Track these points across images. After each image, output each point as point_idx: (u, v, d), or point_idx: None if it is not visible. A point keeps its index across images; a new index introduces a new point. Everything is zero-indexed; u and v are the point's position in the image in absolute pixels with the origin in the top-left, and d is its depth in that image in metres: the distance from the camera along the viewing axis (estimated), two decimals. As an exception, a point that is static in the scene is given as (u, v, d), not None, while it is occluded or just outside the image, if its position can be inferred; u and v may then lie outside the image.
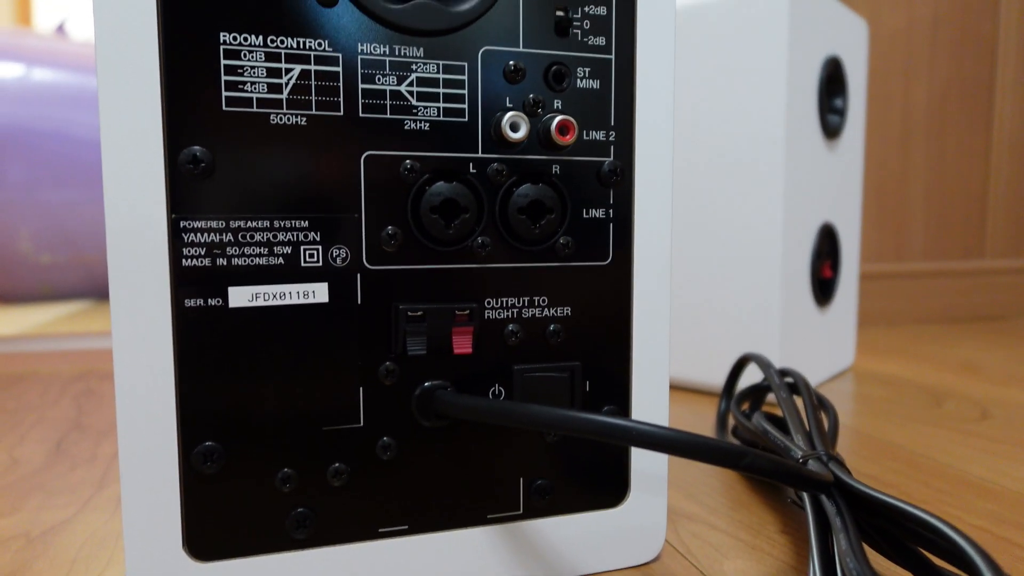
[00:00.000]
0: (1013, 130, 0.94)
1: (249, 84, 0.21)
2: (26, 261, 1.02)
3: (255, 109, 0.21)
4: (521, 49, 0.24)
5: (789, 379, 0.38)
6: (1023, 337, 0.81)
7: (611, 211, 0.25)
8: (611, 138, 0.25)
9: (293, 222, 0.22)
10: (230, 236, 0.22)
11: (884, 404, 0.50)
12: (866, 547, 0.22)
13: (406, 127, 0.23)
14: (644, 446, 0.21)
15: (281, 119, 0.22)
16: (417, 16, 0.22)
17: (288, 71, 0.22)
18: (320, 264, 0.22)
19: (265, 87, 0.21)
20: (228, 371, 0.22)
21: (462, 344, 0.24)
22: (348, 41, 0.22)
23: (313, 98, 0.22)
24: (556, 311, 0.25)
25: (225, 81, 0.21)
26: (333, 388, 0.23)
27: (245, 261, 0.22)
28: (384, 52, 0.22)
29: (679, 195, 0.53)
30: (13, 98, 0.97)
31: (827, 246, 0.56)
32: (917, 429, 0.44)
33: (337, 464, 0.23)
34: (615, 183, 0.25)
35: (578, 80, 0.24)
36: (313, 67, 0.22)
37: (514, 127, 0.23)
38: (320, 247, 0.22)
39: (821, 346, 0.56)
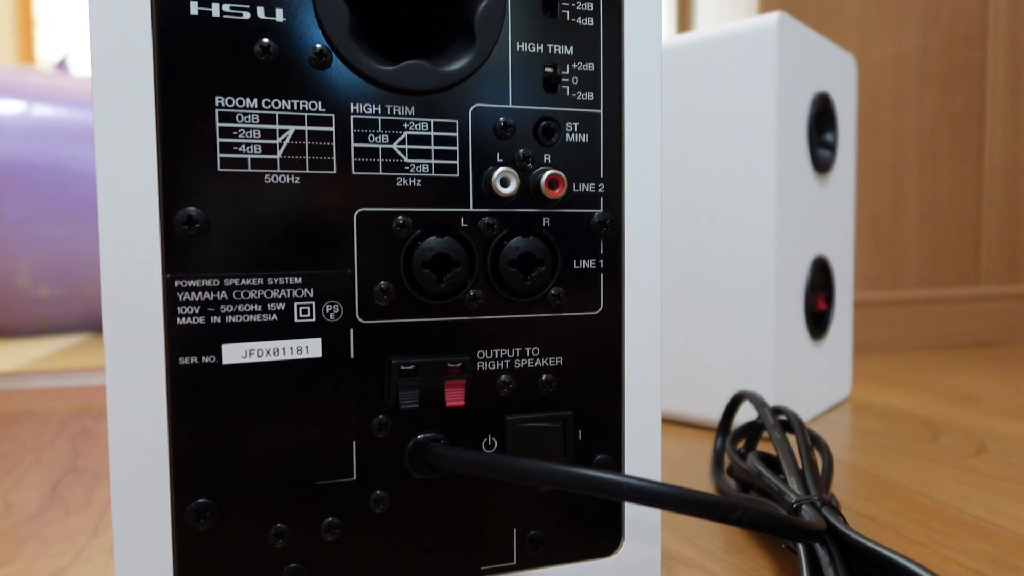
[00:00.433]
0: (1004, 158, 0.95)
1: (244, 145, 0.22)
2: (24, 295, 1.02)
3: (249, 169, 0.22)
4: (511, 105, 0.24)
5: (783, 417, 0.38)
6: (1019, 365, 0.81)
7: (601, 261, 0.26)
8: (600, 190, 0.25)
9: (287, 279, 0.22)
10: (224, 294, 0.22)
11: (881, 438, 0.50)
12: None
13: (398, 183, 0.23)
14: (636, 501, 0.21)
15: (275, 178, 0.22)
16: (408, 76, 0.23)
17: (282, 132, 0.22)
18: (313, 320, 0.23)
19: (259, 148, 0.22)
20: (221, 428, 0.22)
21: (455, 397, 0.24)
22: (341, 101, 0.23)
23: (307, 157, 0.22)
24: (548, 361, 0.25)
25: (220, 143, 0.21)
26: (326, 442, 0.23)
27: (239, 318, 0.22)
28: (376, 111, 0.23)
29: (672, 231, 0.53)
30: (14, 134, 0.98)
31: (821, 279, 0.56)
32: (914, 464, 0.44)
33: (330, 518, 0.23)
34: (605, 234, 0.25)
35: (567, 134, 0.25)
36: (307, 127, 0.22)
37: (504, 182, 0.24)
38: (313, 303, 0.23)
39: (817, 379, 0.56)
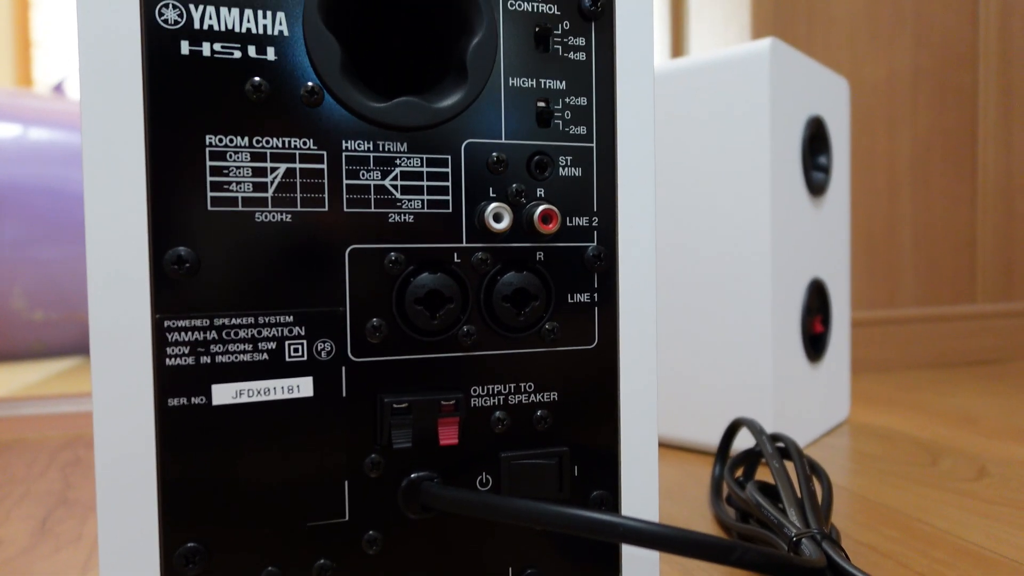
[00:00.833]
0: (997, 177, 0.95)
1: (235, 184, 0.22)
2: (19, 318, 1.01)
3: (240, 208, 0.22)
4: (503, 140, 0.24)
5: (781, 444, 0.38)
6: (1017, 384, 0.81)
7: (596, 295, 0.25)
8: (594, 223, 0.25)
9: (278, 317, 0.22)
10: (214, 334, 0.22)
11: (880, 462, 0.50)
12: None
13: (390, 220, 0.23)
14: (633, 543, 0.20)
15: (266, 216, 0.22)
16: (401, 113, 0.23)
17: (273, 170, 0.22)
18: (305, 358, 0.22)
19: (250, 186, 0.22)
20: (211, 470, 0.22)
21: (448, 435, 0.23)
22: (333, 138, 0.22)
23: (298, 195, 0.22)
24: (543, 396, 0.25)
25: (211, 182, 0.21)
26: (318, 482, 0.23)
27: (229, 358, 0.22)
28: (368, 148, 0.23)
29: (667, 256, 0.53)
30: (9, 158, 0.98)
31: (817, 301, 0.56)
32: (914, 490, 0.44)
33: (322, 560, 0.23)
34: (599, 267, 0.25)
35: (560, 168, 0.25)
36: (298, 165, 0.22)
37: (497, 218, 0.24)
38: (305, 341, 0.22)
39: (815, 401, 0.56)
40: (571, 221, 0.25)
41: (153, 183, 0.21)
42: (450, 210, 0.24)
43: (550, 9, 0.24)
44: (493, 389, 0.24)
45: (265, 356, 0.22)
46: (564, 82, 0.25)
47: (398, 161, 0.23)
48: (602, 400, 0.26)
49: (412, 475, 0.23)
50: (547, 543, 0.25)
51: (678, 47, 0.93)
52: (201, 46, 0.21)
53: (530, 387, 0.25)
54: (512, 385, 0.25)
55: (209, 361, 0.22)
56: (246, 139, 0.22)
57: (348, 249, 0.23)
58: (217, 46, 0.21)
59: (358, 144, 0.23)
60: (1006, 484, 0.45)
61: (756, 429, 0.39)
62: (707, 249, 0.51)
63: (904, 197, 0.91)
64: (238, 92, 0.21)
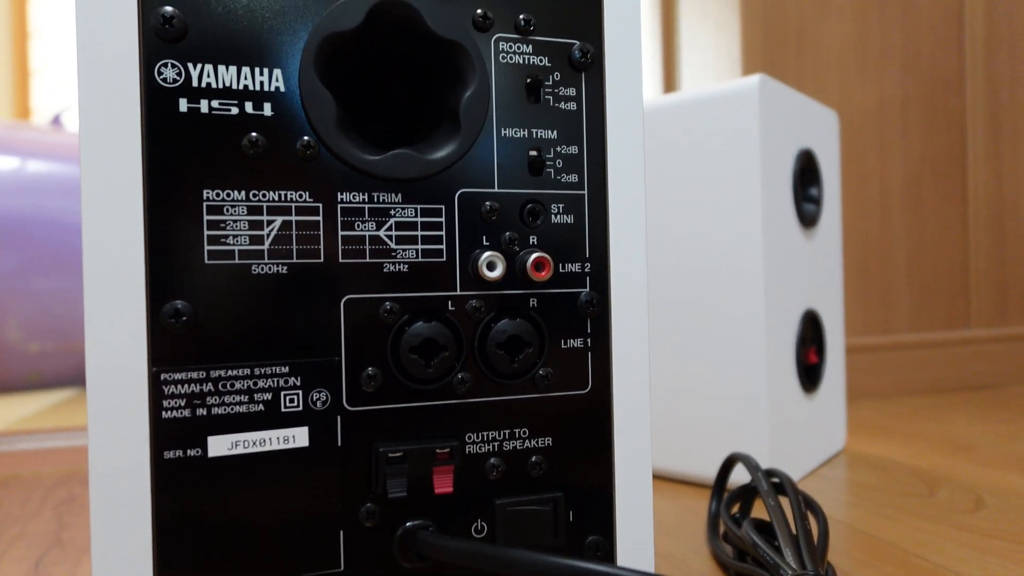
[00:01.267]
0: (988, 201, 0.96)
1: (232, 237, 0.22)
2: (14, 350, 1.01)
3: (237, 261, 0.22)
4: (496, 189, 0.25)
5: (776, 479, 0.38)
6: (1013, 409, 0.81)
7: (589, 340, 0.26)
8: (586, 269, 0.26)
9: (274, 368, 0.22)
10: (210, 385, 0.22)
11: (877, 493, 0.50)
12: None
13: (385, 270, 0.23)
14: (627, 593, 0.20)
15: (263, 268, 0.22)
16: (395, 166, 0.23)
17: (270, 222, 0.22)
18: (300, 408, 0.23)
19: (247, 239, 0.22)
20: (206, 520, 0.22)
21: (443, 483, 0.24)
22: (328, 191, 0.23)
23: (294, 247, 0.22)
24: (537, 442, 0.25)
25: (208, 235, 0.22)
26: (313, 532, 0.23)
27: (225, 410, 0.22)
28: (363, 199, 0.23)
29: (661, 289, 0.54)
30: (7, 189, 0.99)
31: (811, 332, 0.56)
32: (911, 523, 0.44)
33: (317, 611, 0.23)
34: (592, 313, 0.26)
35: (553, 216, 0.25)
36: (294, 217, 0.22)
37: (491, 266, 0.24)
38: (301, 391, 0.23)
39: (811, 432, 0.56)
40: (564, 267, 0.25)
41: (151, 237, 0.21)
42: (444, 259, 0.24)
43: (541, 61, 0.25)
44: (488, 436, 0.25)
45: (261, 407, 0.22)
46: (555, 131, 0.25)
47: (393, 212, 0.23)
48: (596, 444, 0.26)
49: (407, 524, 0.23)
50: (543, 589, 0.25)
51: (670, 77, 0.95)
52: (199, 103, 0.21)
53: (524, 433, 0.25)
54: (507, 431, 0.25)
55: (205, 413, 0.22)
56: (243, 193, 0.22)
57: (343, 299, 0.23)
58: (215, 103, 0.22)
59: (353, 196, 0.23)
60: (1003, 516, 0.45)
61: (751, 465, 0.39)
62: (700, 283, 0.52)
63: (896, 222, 0.92)
64: (235, 147, 0.22)
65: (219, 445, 0.22)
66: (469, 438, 0.24)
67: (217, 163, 0.22)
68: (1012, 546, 0.40)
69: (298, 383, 0.23)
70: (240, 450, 0.22)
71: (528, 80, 0.25)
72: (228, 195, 0.22)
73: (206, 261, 0.22)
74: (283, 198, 0.22)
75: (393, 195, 0.23)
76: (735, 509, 0.41)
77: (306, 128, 0.22)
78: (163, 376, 0.21)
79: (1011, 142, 0.97)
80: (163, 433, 0.21)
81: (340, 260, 0.23)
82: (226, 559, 0.22)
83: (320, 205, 0.23)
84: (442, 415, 0.24)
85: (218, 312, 0.22)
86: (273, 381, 0.22)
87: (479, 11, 0.24)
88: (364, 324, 0.23)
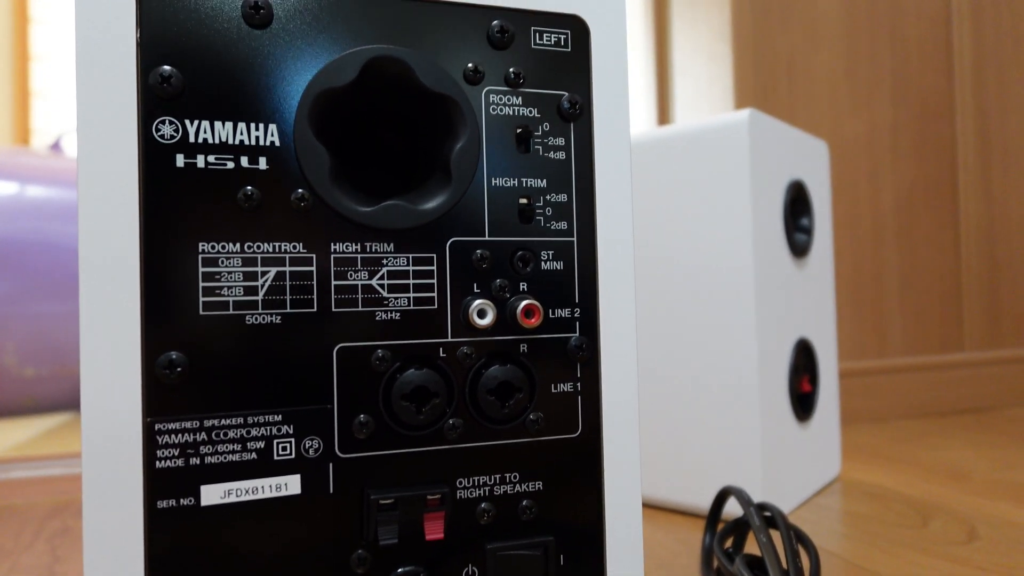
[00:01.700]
0: (979, 226, 0.97)
1: (226, 288, 0.22)
2: (9, 375, 1.01)
3: (231, 311, 0.22)
4: (487, 238, 0.25)
5: (768, 513, 0.38)
6: (1006, 433, 0.81)
7: (579, 384, 0.26)
8: (576, 315, 0.26)
9: (267, 416, 0.23)
10: (204, 435, 0.22)
11: (871, 523, 0.50)
12: None
13: (377, 318, 0.24)
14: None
15: (257, 319, 0.23)
16: (387, 217, 0.24)
17: (264, 274, 0.23)
18: (293, 456, 0.23)
19: (242, 290, 0.22)
20: (198, 569, 0.22)
21: (434, 530, 0.24)
22: (322, 241, 0.23)
23: (288, 297, 0.23)
24: (528, 486, 0.25)
25: (203, 287, 0.22)
26: (305, 580, 0.23)
27: (218, 459, 0.22)
28: (356, 249, 0.24)
29: (654, 320, 0.54)
30: (5, 215, 0.99)
31: (804, 360, 0.57)
32: (904, 556, 0.44)
33: (309, 659, 0.23)
34: (582, 357, 0.26)
35: (542, 263, 0.26)
36: (288, 268, 0.23)
37: (481, 314, 0.24)
38: (293, 439, 0.23)
39: (805, 461, 0.56)
40: (554, 313, 0.26)
41: (147, 290, 0.22)
42: (435, 306, 0.24)
43: (531, 112, 0.25)
44: (479, 480, 0.25)
45: (254, 455, 0.22)
46: (545, 180, 0.26)
47: (385, 261, 0.24)
48: (586, 488, 0.26)
49: (399, 570, 0.24)
50: (534, 633, 0.25)
51: (663, 107, 0.96)
52: (195, 158, 0.22)
53: (515, 477, 0.25)
54: (497, 476, 0.25)
55: (198, 462, 0.22)
56: (238, 244, 0.22)
57: (336, 347, 0.23)
58: (211, 158, 0.22)
59: (346, 246, 0.23)
60: (996, 548, 0.45)
61: (744, 499, 0.39)
62: (693, 313, 0.52)
63: (889, 247, 0.93)
64: (231, 200, 0.22)
65: (212, 494, 0.22)
66: (460, 483, 0.25)
67: (213, 216, 0.22)
68: (1004, 581, 0.40)
69: (291, 431, 0.23)
70: (233, 498, 0.22)
71: (518, 130, 0.25)
72: (223, 247, 0.22)
73: (201, 312, 0.22)
74: (277, 249, 0.23)
75: (385, 244, 0.24)
76: (728, 543, 0.41)
77: (300, 181, 0.23)
78: (157, 426, 0.22)
79: (1001, 167, 0.98)
80: (157, 483, 0.21)
81: (333, 309, 0.23)
82: (218, 608, 0.22)
83: (314, 255, 0.23)
84: (433, 461, 0.24)
85: (212, 362, 0.22)
86: (266, 429, 0.23)
87: (470, 65, 0.25)
88: (356, 372, 0.24)
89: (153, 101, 0.21)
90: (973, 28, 0.96)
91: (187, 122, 0.22)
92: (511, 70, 0.25)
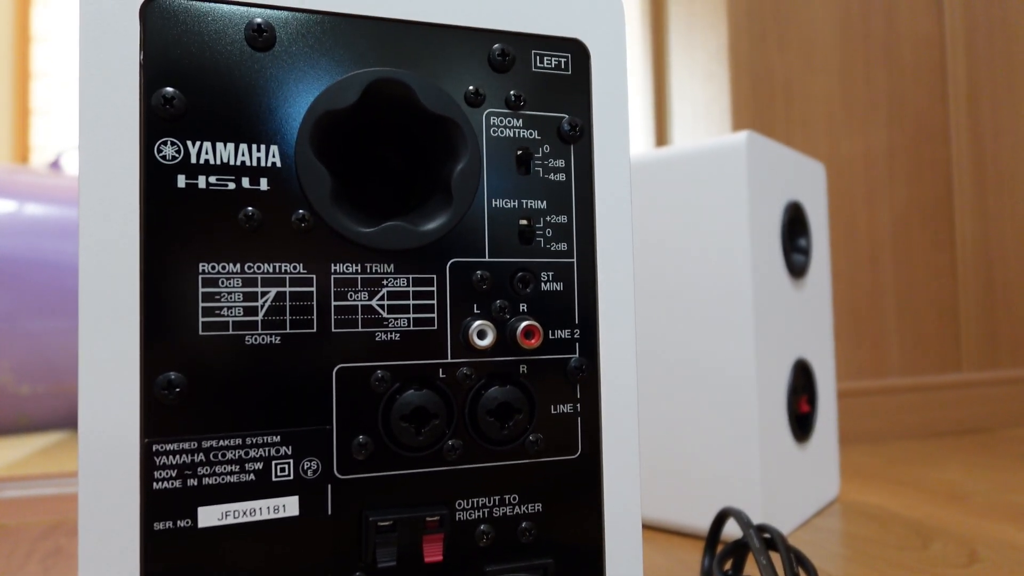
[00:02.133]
0: (975, 247, 0.97)
1: (226, 308, 0.22)
2: (4, 392, 1.00)
3: (231, 332, 0.22)
4: (487, 259, 0.25)
5: (767, 535, 0.38)
6: (1006, 456, 0.81)
7: (578, 405, 0.26)
8: (576, 336, 0.26)
9: (265, 437, 0.23)
10: (202, 456, 0.22)
11: (870, 546, 0.50)
12: None
13: (377, 339, 0.24)
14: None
15: (256, 339, 0.23)
16: (388, 237, 0.24)
17: (264, 294, 0.23)
18: (291, 478, 0.23)
19: (241, 310, 0.22)
20: (195, 594, 0.22)
21: (433, 552, 0.24)
22: (322, 262, 0.23)
23: (288, 317, 0.23)
24: (527, 508, 0.25)
25: (203, 307, 0.22)
26: (302, 604, 0.23)
27: (216, 480, 0.22)
28: (356, 270, 0.24)
29: (652, 341, 0.54)
30: (3, 232, 0.99)
31: (802, 381, 0.56)
32: (904, 579, 0.43)
33: None
34: (581, 378, 0.26)
35: (542, 283, 0.26)
36: (288, 289, 0.23)
37: (481, 335, 0.24)
38: (291, 461, 0.23)
39: (804, 482, 0.56)
40: (553, 334, 0.26)
41: (146, 309, 0.22)
42: (435, 327, 0.24)
43: (531, 134, 0.26)
44: (478, 502, 0.25)
45: (252, 476, 0.22)
46: (545, 201, 0.26)
47: (385, 282, 0.24)
48: (586, 509, 0.26)
49: (396, 593, 0.23)
50: (533, 658, 0.25)
51: (661, 129, 0.97)
52: (197, 179, 0.22)
53: (514, 499, 0.25)
54: (496, 497, 0.25)
55: (196, 483, 0.22)
56: (238, 265, 0.22)
57: (335, 368, 0.23)
58: (212, 179, 0.22)
59: (346, 267, 0.24)
60: (997, 570, 0.45)
61: (743, 521, 0.39)
62: (691, 334, 0.52)
63: (886, 268, 0.93)
64: (231, 221, 0.22)
65: (209, 516, 0.22)
66: (459, 504, 0.24)
67: (213, 237, 0.22)
68: (1005, 604, 0.39)
69: (289, 452, 0.23)
70: (230, 520, 0.22)
71: (519, 152, 0.25)
72: (223, 267, 0.22)
73: (200, 332, 0.22)
74: (277, 270, 0.23)
75: (386, 265, 0.24)
76: (728, 565, 0.41)
77: (301, 202, 0.23)
78: (155, 447, 0.21)
79: (996, 190, 0.99)
80: (153, 504, 0.21)
81: (333, 330, 0.23)
82: (213, 632, 0.22)
83: (314, 276, 0.23)
84: (432, 482, 0.24)
85: (211, 383, 0.22)
86: (264, 451, 0.22)
87: (471, 88, 0.25)
88: (356, 393, 0.23)
89: (155, 122, 0.22)
90: (967, 51, 0.97)
91: (189, 143, 0.22)
92: (512, 93, 0.25)
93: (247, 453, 0.22)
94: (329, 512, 0.23)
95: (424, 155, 0.26)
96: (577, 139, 0.26)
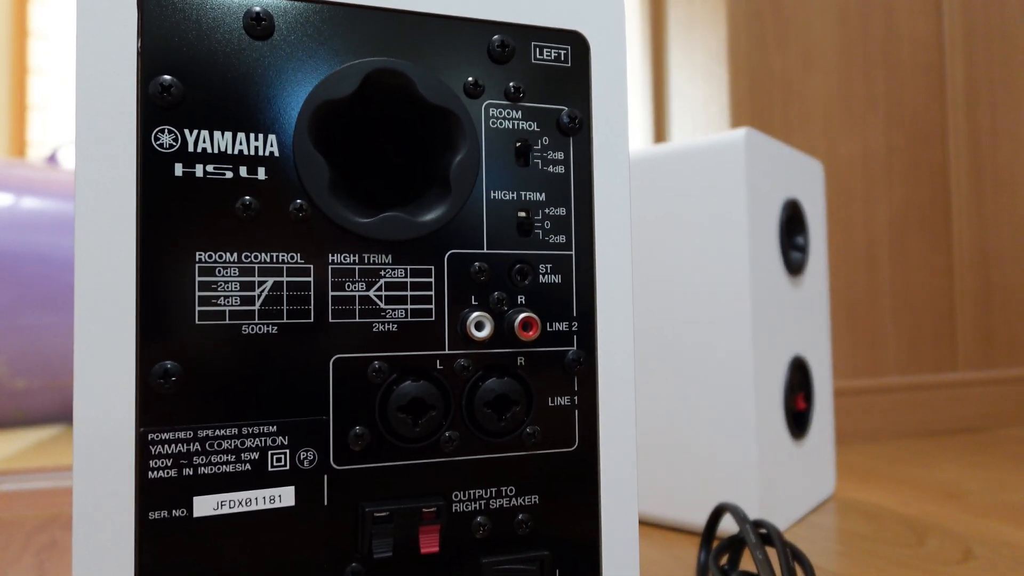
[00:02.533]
0: (972, 247, 0.98)
1: (223, 298, 0.22)
2: (0, 387, 1.00)
3: (227, 321, 0.22)
4: (486, 250, 0.25)
5: (764, 530, 0.38)
6: (1001, 453, 0.81)
7: (576, 398, 0.26)
8: (574, 328, 0.26)
9: (261, 427, 0.22)
10: (197, 445, 0.22)
11: (866, 543, 0.50)
12: None
13: (375, 329, 0.24)
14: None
15: (253, 329, 0.22)
16: (386, 228, 0.24)
17: (261, 284, 0.23)
18: (287, 468, 0.23)
19: (238, 300, 0.22)
20: (190, 583, 0.22)
21: (429, 543, 0.24)
22: (320, 252, 0.23)
23: (284, 307, 0.23)
24: (524, 500, 0.25)
25: (199, 296, 0.22)
26: (297, 594, 0.23)
27: (212, 469, 0.22)
28: (354, 260, 0.24)
29: (651, 338, 0.54)
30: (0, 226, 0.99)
31: (799, 378, 0.57)
32: (900, 575, 0.43)
33: (300, 675, 0.22)
34: (579, 371, 0.26)
35: (540, 276, 0.26)
36: (285, 278, 0.23)
37: (479, 327, 0.24)
38: (288, 451, 0.23)
39: (800, 479, 0.56)
40: (551, 326, 0.26)
41: (142, 298, 0.21)
42: (433, 318, 0.24)
43: (530, 126, 0.26)
44: (474, 494, 0.25)
45: (248, 466, 0.22)
46: (544, 194, 0.26)
47: (383, 272, 0.24)
48: (583, 502, 0.26)
49: (392, 585, 0.23)
50: (528, 651, 0.25)
51: (660, 127, 0.97)
52: (194, 168, 0.22)
53: (511, 491, 0.25)
54: (493, 489, 0.25)
55: (191, 473, 0.22)
56: (235, 254, 0.22)
57: (332, 358, 0.23)
58: (210, 167, 0.22)
59: (344, 257, 0.23)
60: (993, 568, 0.45)
61: (740, 516, 0.39)
62: (688, 331, 0.52)
63: (883, 268, 0.93)
64: (229, 210, 0.22)
65: (205, 505, 0.22)
66: (456, 496, 0.24)
67: (210, 226, 0.22)
68: (1000, 601, 0.39)
69: (285, 442, 0.23)
70: (226, 510, 0.22)
71: (518, 144, 0.25)
72: (220, 257, 0.22)
73: (196, 322, 0.22)
74: (275, 260, 0.23)
75: (383, 256, 0.24)
76: (724, 560, 0.41)
77: (299, 191, 0.23)
78: (150, 436, 0.21)
79: (993, 191, 0.99)
80: (149, 493, 0.21)
81: (330, 320, 0.23)
82: (208, 622, 0.22)
83: (311, 266, 0.23)
84: (429, 473, 0.24)
85: (207, 372, 0.22)
86: (260, 440, 0.22)
87: (470, 79, 0.25)
88: (352, 383, 0.23)
89: (153, 110, 0.22)
90: (965, 53, 0.97)
91: (186, 131, 0.22)
92: (511, 84, 0.25)
93: (243, 443, 0.22)
94: (325, 502, 0.23)
95: (423, 146, 0.26)
96: (576, 131, 0.26)
